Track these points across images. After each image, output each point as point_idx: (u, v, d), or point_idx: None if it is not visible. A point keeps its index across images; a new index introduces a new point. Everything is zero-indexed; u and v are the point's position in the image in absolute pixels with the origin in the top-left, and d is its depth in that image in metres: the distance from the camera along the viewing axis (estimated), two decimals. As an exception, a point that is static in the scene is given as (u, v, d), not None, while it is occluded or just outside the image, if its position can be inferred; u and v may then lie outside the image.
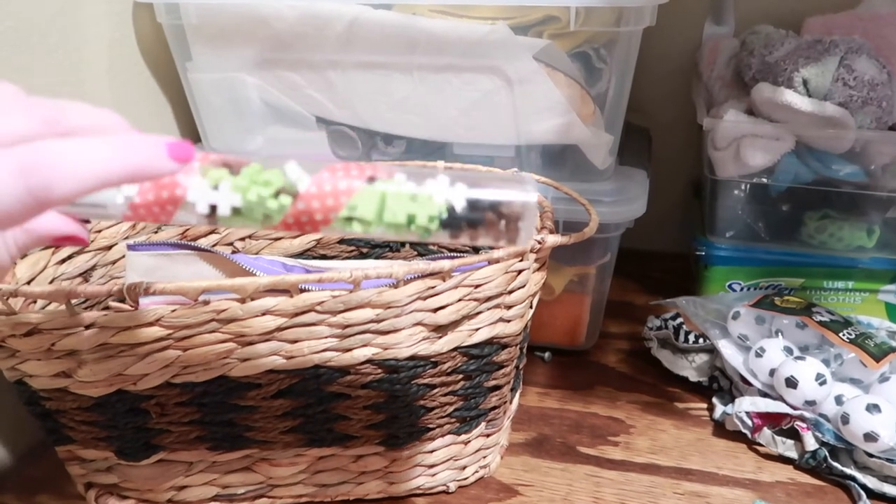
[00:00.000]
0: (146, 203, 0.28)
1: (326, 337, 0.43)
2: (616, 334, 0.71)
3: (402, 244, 0.62)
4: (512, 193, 0.28)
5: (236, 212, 0.28)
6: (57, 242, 0.28)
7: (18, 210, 0.22)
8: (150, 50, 0.69)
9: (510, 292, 0.46)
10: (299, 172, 0.28)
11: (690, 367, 0.62)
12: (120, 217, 0.28)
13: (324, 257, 0.62)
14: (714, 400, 0.59)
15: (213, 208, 0.28)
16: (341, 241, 0.62)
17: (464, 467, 0.51)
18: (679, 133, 0.82)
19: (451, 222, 0.28)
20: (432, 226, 0.28)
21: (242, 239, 0.60)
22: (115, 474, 0.48)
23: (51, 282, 0.51)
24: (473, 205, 0.28)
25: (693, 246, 0.72)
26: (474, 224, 0.28)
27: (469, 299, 0.44)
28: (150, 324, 0.41)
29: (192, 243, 0.56)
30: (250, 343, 0.43)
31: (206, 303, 0.41)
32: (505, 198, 0.28)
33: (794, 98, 0.59)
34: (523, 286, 0.46)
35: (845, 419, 0.50)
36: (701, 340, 0.63)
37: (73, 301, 0.40)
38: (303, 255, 0.61)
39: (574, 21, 0.55)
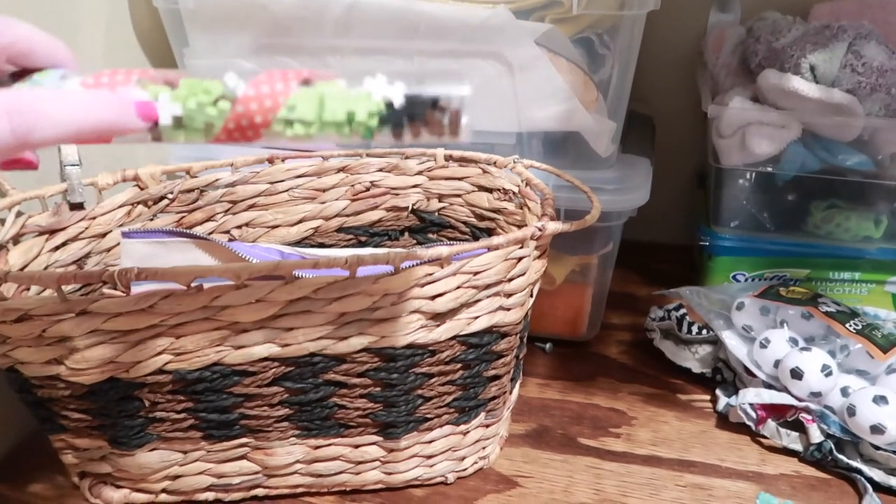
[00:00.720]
0: None
1: (322, 325, 0.42)
2: (618, 325, 0.70)
3: (401, 233, 0.61)
4: (450, 88, 0.28)
5: (177, 122, 0.28)
6: (6, 167, 0.30)
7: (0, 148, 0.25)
8: (147, 35, 0.68)
9: (510, 280, 0.45)
10: (237, 80, 0.28)
11: (693, 359, 0.62)
12: None
13: (322, 246, 0.61)
14: (717, 392, 0.58)
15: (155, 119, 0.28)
16: (339, 230, 0.61)
17: (463, 458, 0.51)
18: (683, 122, 0.81)
19: (392, 118, 0.28)
20: (372, 122, 0.28)
21: (239, 227, 0.59)
22: (109, 463, 0.48)
23: (44, 268, 0.51)
24: (412, 100, 0.28)
25: (697, 236, 0.71)
26: (415, 119, 0.28)
27: (468, 287, 0.43)
28: (143, 310, 0.40)
29: (188, 231, 0.55)
30: (244, 330, 0.42)
31: (200, 289, 0.40)
32: (443, 92, 0.28)
33: (801, 84, 0.57)
34: (523, 274, 0.45)
35: (851, 411, 0.49)
36: (704, 332, 0.62)
37: (65, 287, 0.39)
38: (300, 243, 0.60)
39: (577, 5, 0.54)
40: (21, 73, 0.29)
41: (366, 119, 0.28)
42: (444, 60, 0.58)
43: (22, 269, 0.49)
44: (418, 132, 0.28)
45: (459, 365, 0.46)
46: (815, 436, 0.51)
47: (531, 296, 0.48)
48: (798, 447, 0.52)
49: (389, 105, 0.28)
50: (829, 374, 0.51)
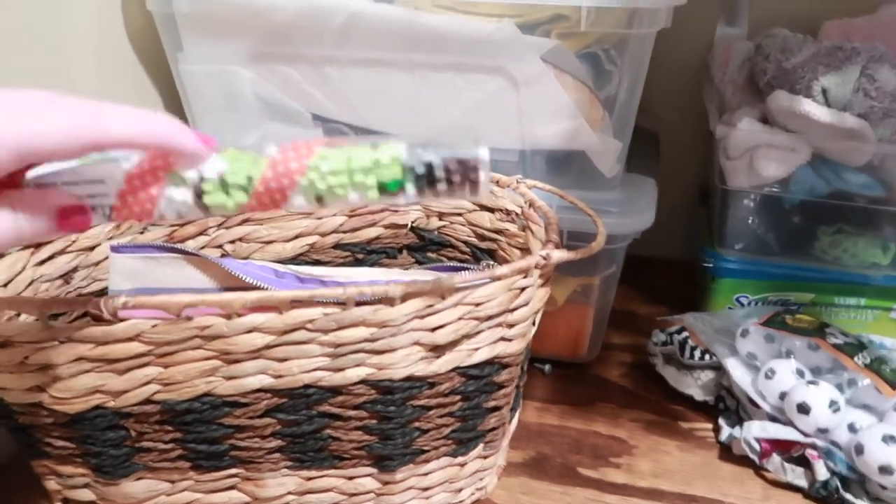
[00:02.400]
0: (140, 172, 0.31)
1: (317, 356, 0.40)
2: (618, 345, 0.69)
3: (399, 251, 0.60)
4: (466, 151, 0.31)
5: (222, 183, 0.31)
6: (61, 224, 0.30)
7: (79, 146, 0.28)
8: (140, 39, 0.66)
9: (513, 310, 0.43)
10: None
11: (696, 385, 0.60)
12: (113, 197, 0.31)
13: (317, 262, 0.59)
14: (720, 421, 0.57)
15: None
16: (336, 247, 0.59)
17: (460, 490, 0.49)
18: (687, 135, 0.79)
19: (415, 184, 0.31)
20: (394, 189, 0.31)
21: (232, 242, 0.57)
22: (93, 491, 0.46)
23: (29, 283, 0.49)
24: (431, 167, 0.31)
25: (700, 255, 0.70)
26: (434, 183, 0.31)
27: (469, 318, 0.41)
28: (130, 339, 0.38)
29: (179, 246, 0.53)
30: (236, 361, 0.40)
31: (190, 318, 0.38)
32: (461, 156, 0.31)
33: (812, 108, 0.56)
34: (527, 304, 0.44)
35: (860, 449, 0.48)
36: (707, 357, 0.61)
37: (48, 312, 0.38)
38: (295, 259, 0.58)
39: (585, 21, 0.52)
40: None
41: (393, 189, 0.31)
42: (446, 74, 0.57)
43: (6, 285, 0.47)
44: (439, 193, 0.31)
45: (458, 397, 0.44)
46: (822, 473, 0.49)
47: (534, 324, 0.47)
48: (803, 483, 0.51)
49: (411, 170, 0.31)
50: (837, 410, 0.50)
